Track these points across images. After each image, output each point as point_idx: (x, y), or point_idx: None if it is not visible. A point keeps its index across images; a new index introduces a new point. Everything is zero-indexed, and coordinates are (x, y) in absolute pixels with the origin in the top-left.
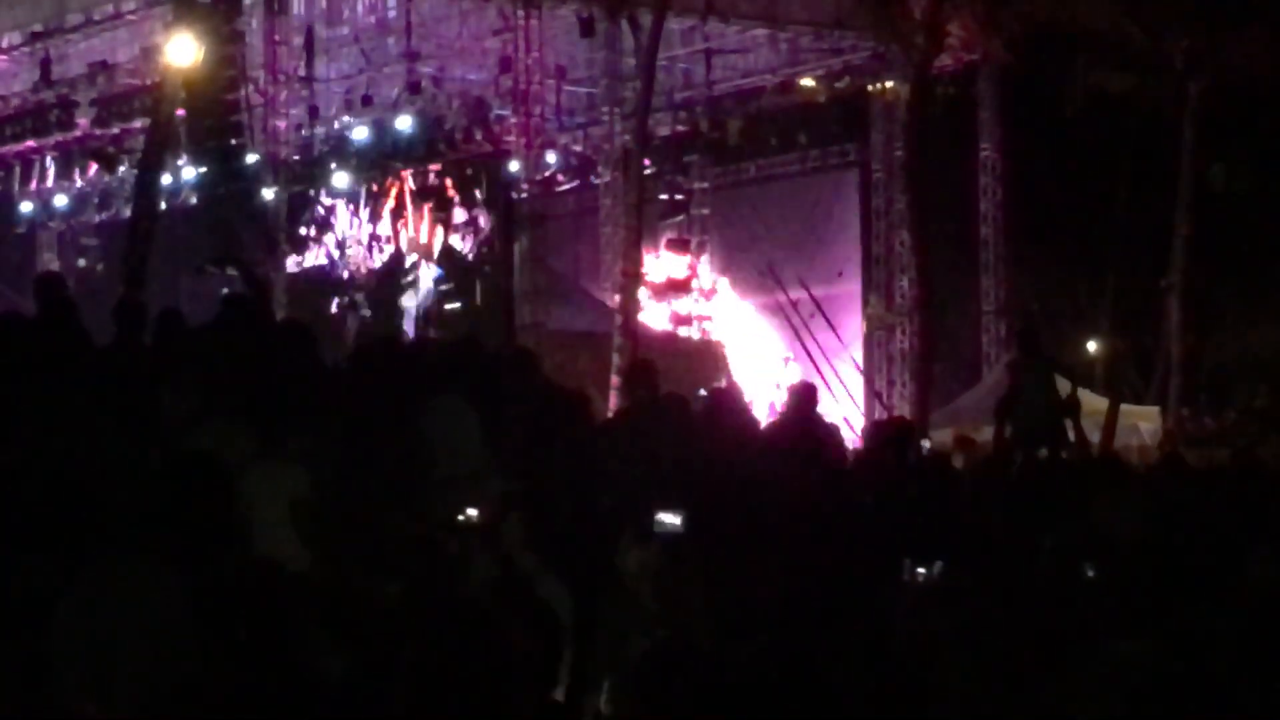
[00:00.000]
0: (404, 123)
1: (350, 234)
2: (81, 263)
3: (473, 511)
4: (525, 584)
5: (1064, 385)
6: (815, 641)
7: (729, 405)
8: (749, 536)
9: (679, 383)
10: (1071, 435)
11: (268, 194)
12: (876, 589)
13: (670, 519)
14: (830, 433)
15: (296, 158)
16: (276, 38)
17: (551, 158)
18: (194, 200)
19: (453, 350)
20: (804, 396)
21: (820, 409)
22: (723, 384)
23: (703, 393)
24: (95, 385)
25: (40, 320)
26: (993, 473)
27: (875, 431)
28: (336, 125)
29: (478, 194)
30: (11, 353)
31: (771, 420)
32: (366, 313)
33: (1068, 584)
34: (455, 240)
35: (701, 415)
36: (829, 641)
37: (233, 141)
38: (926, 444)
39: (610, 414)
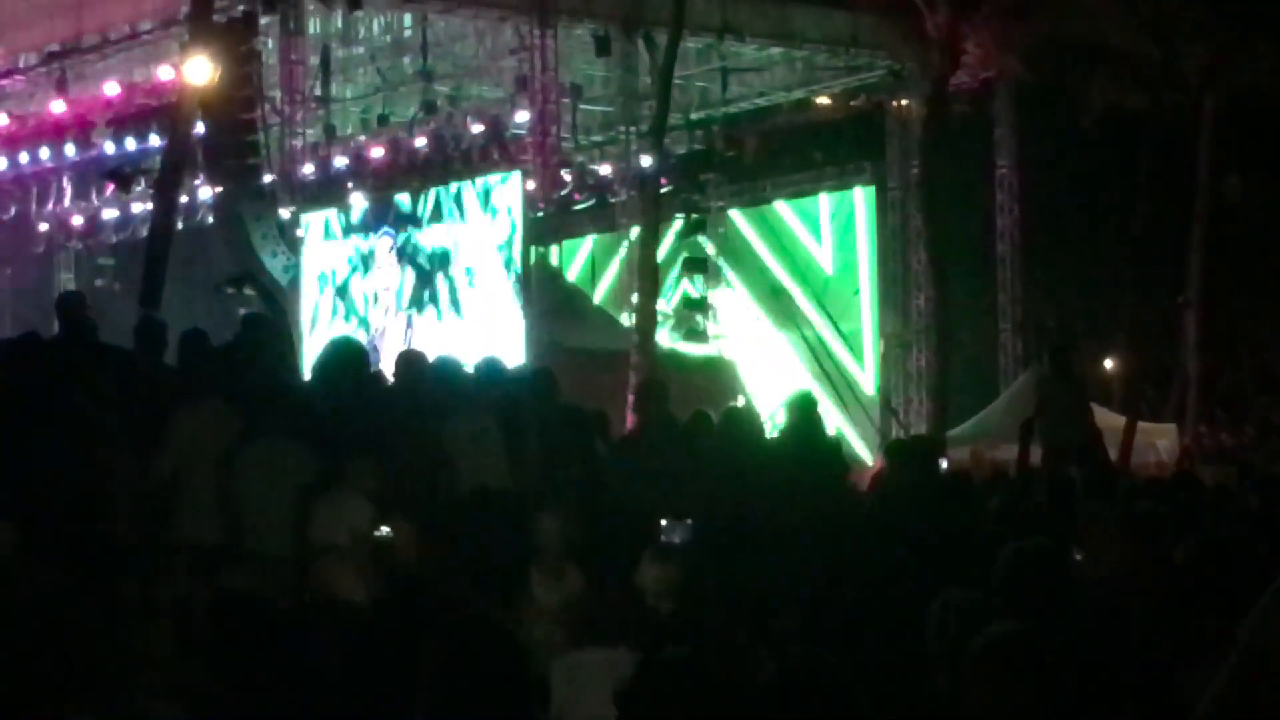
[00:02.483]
0: (420, 142)
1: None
2: (98, 282)
3: (386, 529)
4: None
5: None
6: (840, 660)
7: (745, 424)
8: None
9: (695, 401)
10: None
11: (284, 213)
12: (904, 609)
13: (680, 529)
14: (834, 446)
15: (313, 177)
16: (293, 57)
17: (567, 176)
18: (210, 220)
19: (475, 369)
20: (803, 409)
21: (823, 421)
22: (739, 403)
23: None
24: (118, 405)
25: (63, 339)
26: (1019, 492)
27: (900, 450)
28: (352, 144)
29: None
30: (34, 372)
31: (775, 435)
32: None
33: (1095, 604)
34: None
35: (718, 433)
36: (854, 660)
37: (249, 161)
38: (944, 462)
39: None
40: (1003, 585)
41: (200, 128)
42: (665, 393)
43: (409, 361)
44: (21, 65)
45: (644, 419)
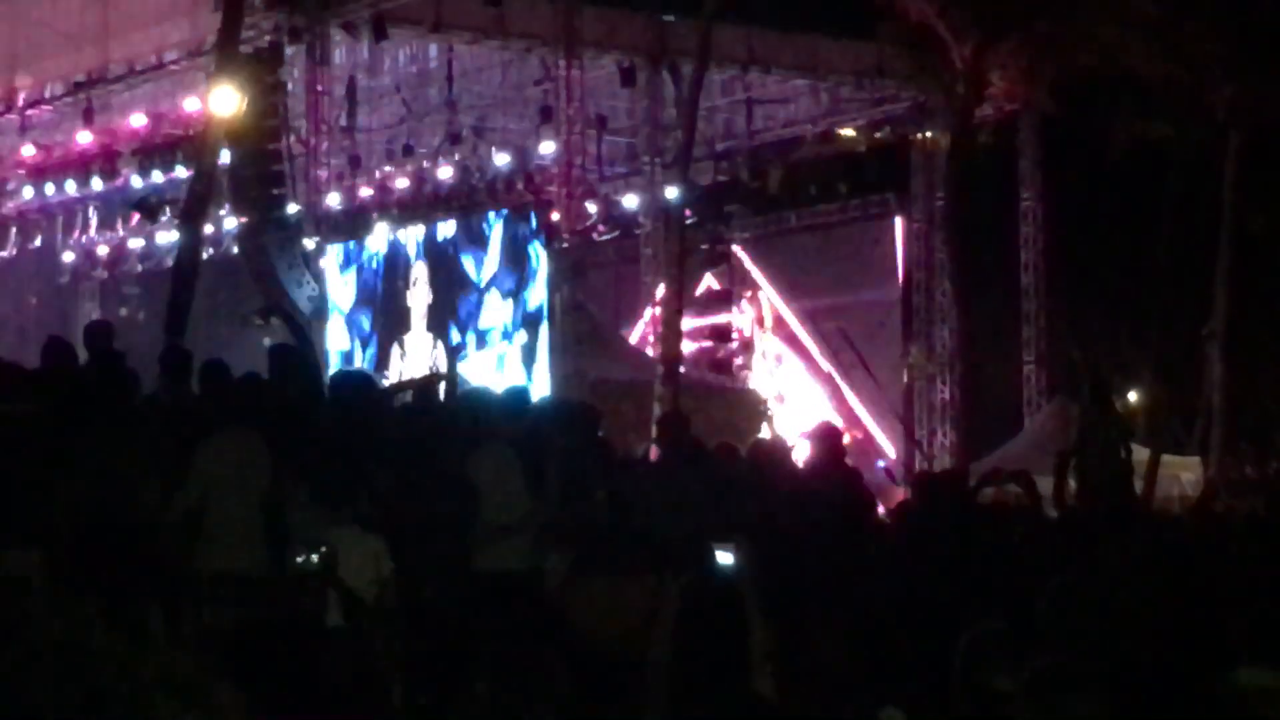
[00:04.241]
0: (445, 172)
1: None
2: (123, 312)
3: (314, 557)
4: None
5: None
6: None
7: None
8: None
9: (719, 432)
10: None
11: (309, 244)
12: (939, 639)
13: (723, 556)
14: (857, 475)
15: (338, 208)
16: (319, 88)
17: (592, 207)
18: (236, 250)
19: (501, 399)
20: (829, 440)
21: (845, 453)
22: (766, 435)
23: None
24: (145, 435)
25: (90, 370)
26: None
27: (930, 483)
28: (377, 175)
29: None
30: (62, 402)
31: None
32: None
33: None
34: None
35: (747, 464)
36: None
37: (274, 191)
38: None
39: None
40: (1045, 617)
41: (226, 158)
42: (686, 426)
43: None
44: (48, 95)
45: (665, 451)
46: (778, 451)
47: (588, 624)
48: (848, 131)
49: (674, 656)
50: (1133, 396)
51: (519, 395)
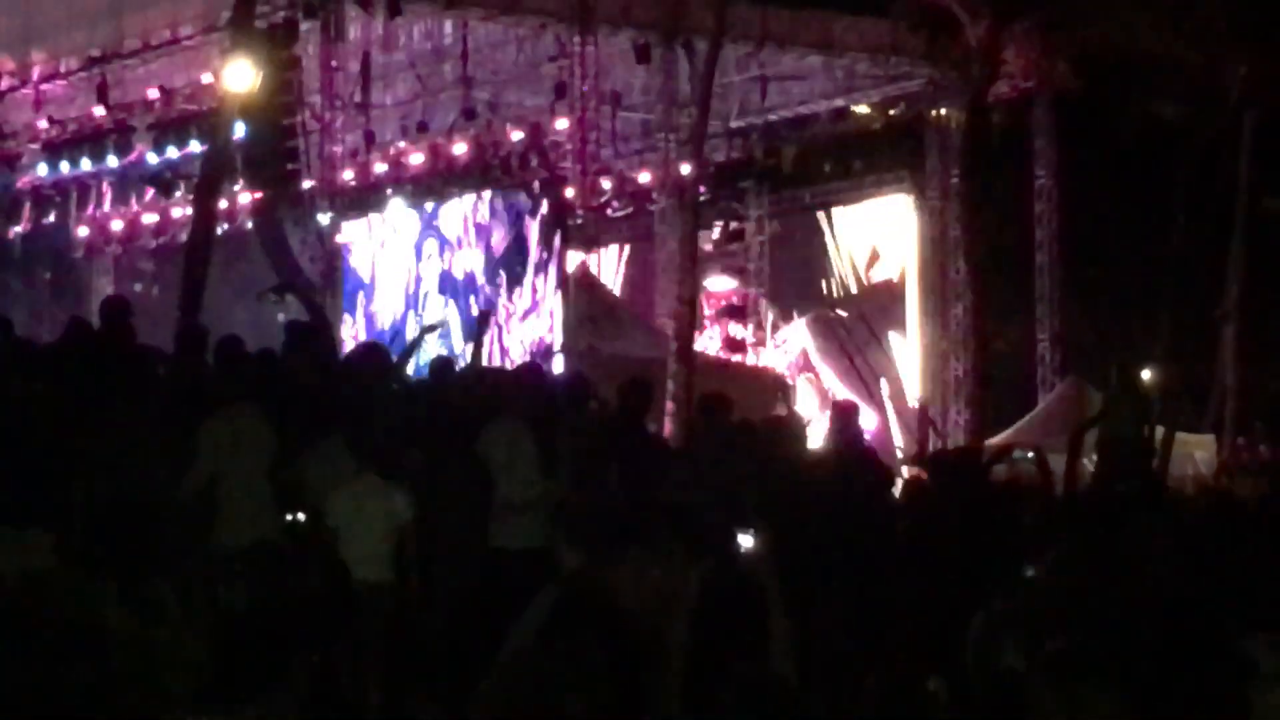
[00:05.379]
0: (459, 148)
1: None
2: (137, 288)
3: (301, 515)
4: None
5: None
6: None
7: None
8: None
9: (736, 409)
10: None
11: (323, 219)
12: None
13: (745, 539)
14: (873, 451)
15: (353, 183)
16: (333, 64)
17: (606, 184)
18: (250, 226)
19: (513, 375)
20: (849, 414)
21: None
22: (783, 412)
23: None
24: (160, 412)
25: (104, 345)
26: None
27: (944, 461)
28: (392, 151)
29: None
30: (74, 378)
31: (823, 441)
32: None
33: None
34: None
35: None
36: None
37: (289, 167)
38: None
39: (668, 441)
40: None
41: (240, 133)
42: (729, 405)
43: (443, 366)
44: (63, 70)
45: (709, 429)
46: (793, 428)
47: (621, 603)
48: (862, 109)
49: (694, 638)
50: (1146, 376)
51: (532, 372)
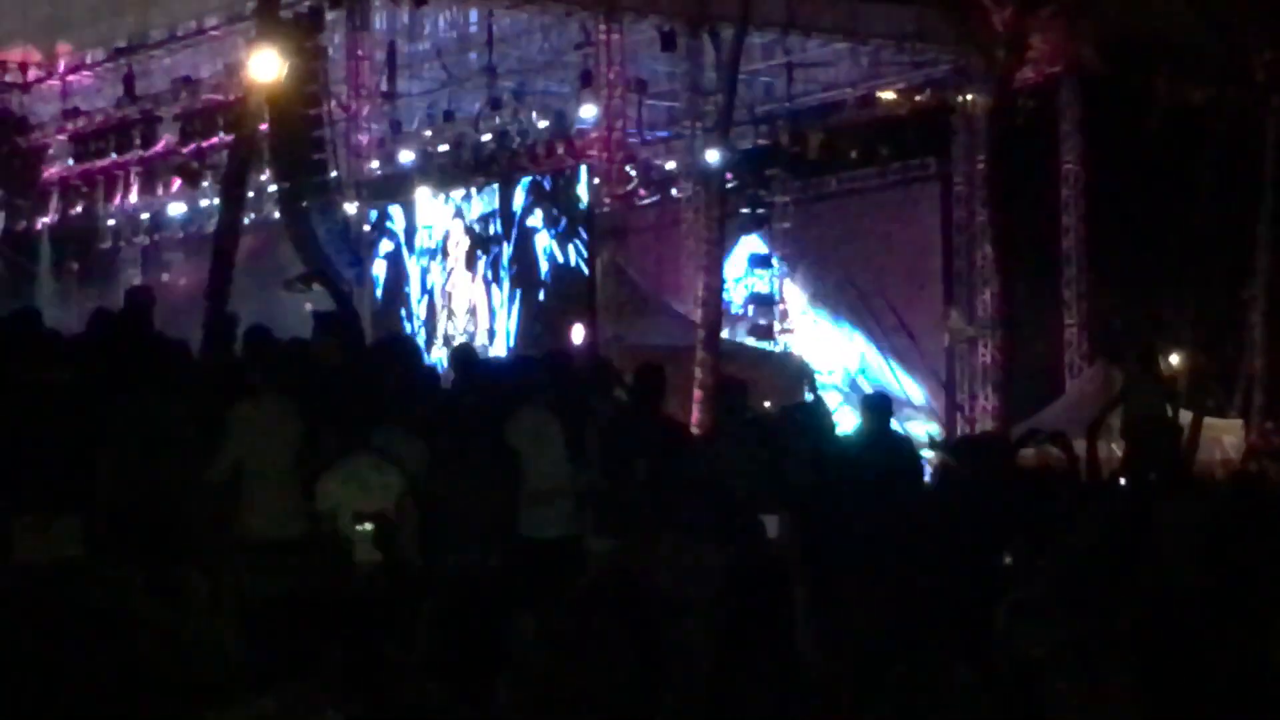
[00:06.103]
0: (485, 137)
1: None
2: (165, 278)
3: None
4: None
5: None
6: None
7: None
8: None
9: (762, 397)
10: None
11: (350, 209)
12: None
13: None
14: (907, 441)
15: (379, 173)
16: (359, 53)
17: (632, 171)
18: (277, 215)
19: (539, 363)
20: (881, 408)
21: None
22: (809, 398)
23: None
24: (185, 400)
25: (130, 334)
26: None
27: (971, 446)
28: (418, 140)
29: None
30: (104, 369)
31: (852, 434)
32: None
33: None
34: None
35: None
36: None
37: (315, 157)
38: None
39: (695, 428)
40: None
41: (266, 123)
42: (745, 393)
43: (466, 354)
44: (89, 61)
45: (728, 417)
46: (822, 415)
47: (650, 589)
48: (888, 95)
49: (721, 621)
50: (1173, 359)
51: (557, 359)
